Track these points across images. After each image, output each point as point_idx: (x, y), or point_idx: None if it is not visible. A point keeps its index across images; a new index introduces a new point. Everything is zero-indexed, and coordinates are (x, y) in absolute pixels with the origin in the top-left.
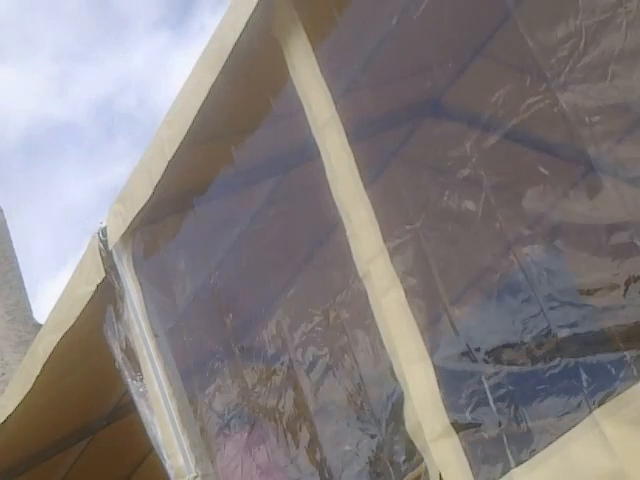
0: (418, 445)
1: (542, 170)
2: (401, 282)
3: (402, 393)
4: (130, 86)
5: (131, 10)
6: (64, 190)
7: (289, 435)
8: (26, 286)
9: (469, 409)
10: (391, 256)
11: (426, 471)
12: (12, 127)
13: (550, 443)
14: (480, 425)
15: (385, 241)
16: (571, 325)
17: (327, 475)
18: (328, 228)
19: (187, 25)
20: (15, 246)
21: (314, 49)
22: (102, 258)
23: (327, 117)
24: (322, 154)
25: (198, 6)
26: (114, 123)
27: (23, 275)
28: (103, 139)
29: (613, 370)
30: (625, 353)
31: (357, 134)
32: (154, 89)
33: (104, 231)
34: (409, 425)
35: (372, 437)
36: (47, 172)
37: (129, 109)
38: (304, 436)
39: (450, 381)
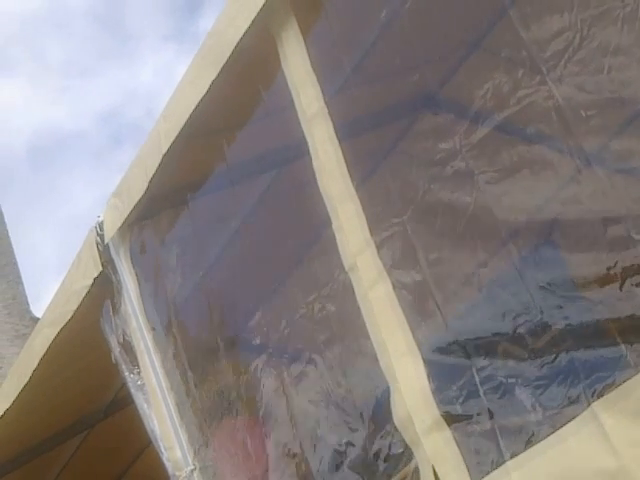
0: (407, 439)
1: (537, 163)
2: (388, 275)
3: (388, 387)
4: (138, 97)
5: (140, 25)
6: (72, 197)
7: (280, 427)
8: (32, 290)
9: (459, 401)
10: (378, 249)
11: (415, 468)
12: (22, 138)
13: (547, 436)
14: (471, 417)
15: (372, 234)
16: (567, 318)
17: (310, 469)
18: (322, 224)
19: (194, 36)
20: (23, 250)
21: (306, 42)
22: (99, 252)
23: (315, 109)
24: (310, 147)
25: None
26: (121, 132)
27: (30, 278)
28: (110, 148)
29: (611, 363)
30: (622, 345)
31: (350, 129)
32: (161, 99)
33: (101, 225)
34: (397, 419)
35: (356, 431)
36: (56, 180)
37: (136, 119)
38: (294, 429)
39: (440, 374)
